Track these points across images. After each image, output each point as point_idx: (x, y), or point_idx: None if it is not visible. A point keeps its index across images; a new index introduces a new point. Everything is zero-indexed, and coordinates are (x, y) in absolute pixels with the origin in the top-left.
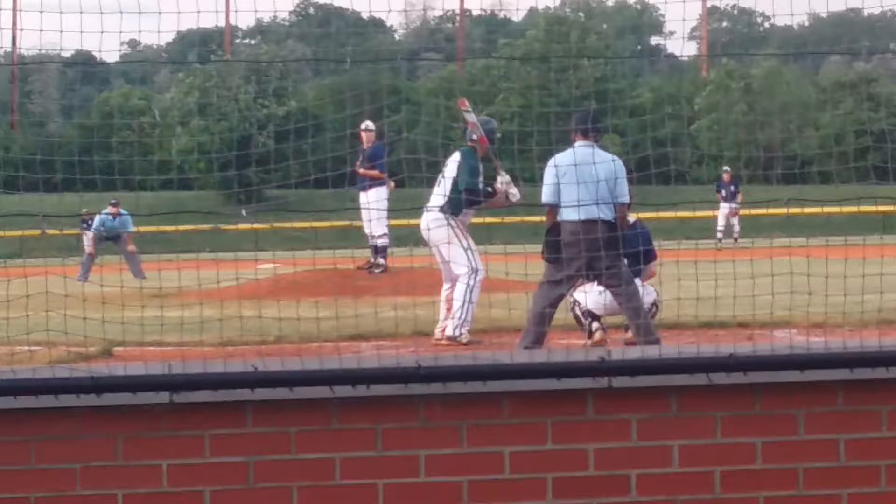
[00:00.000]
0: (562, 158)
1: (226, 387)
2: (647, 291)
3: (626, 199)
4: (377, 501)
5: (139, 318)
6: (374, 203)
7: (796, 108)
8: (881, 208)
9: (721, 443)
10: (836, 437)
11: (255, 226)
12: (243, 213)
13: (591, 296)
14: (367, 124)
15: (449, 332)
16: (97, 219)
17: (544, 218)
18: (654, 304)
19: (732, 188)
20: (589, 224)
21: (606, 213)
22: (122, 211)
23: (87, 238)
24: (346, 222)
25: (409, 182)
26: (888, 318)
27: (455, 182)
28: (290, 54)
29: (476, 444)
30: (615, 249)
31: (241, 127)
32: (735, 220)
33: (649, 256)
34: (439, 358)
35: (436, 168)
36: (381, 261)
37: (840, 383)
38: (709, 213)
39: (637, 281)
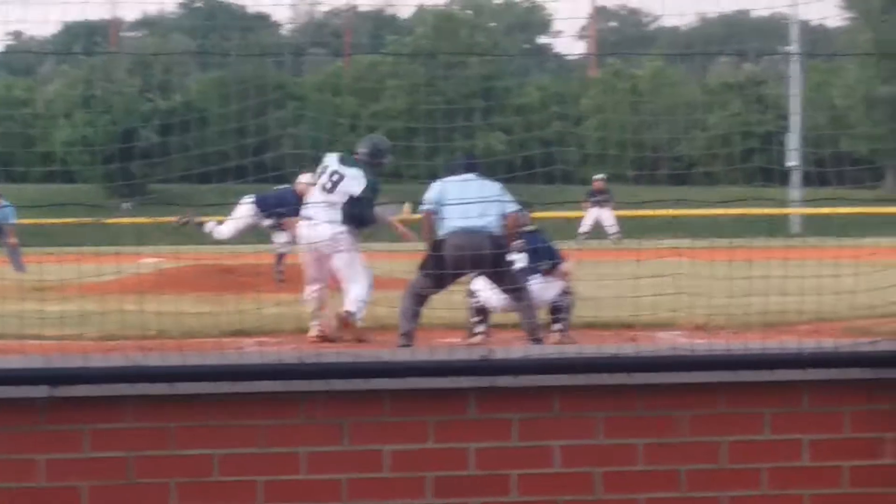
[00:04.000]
0: (448, 182)
1: (106, 381)
2: (550, 287)
3: (514, 208)
4: (256, 498)
5: (18, 311)
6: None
7: (683, 108)
8: (766, 210)
9: (603, 443)
10: (718, 439)
11: (137, 219)
12: (124, 206)
13: (492, 291)
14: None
15: (350, 307)
16: None
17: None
18: (565, 292)
19: (604, 195)
20: (472, 235)
21: (490, 225)
22: (4, 202)
23: None
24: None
25: (291, 178)
26: (772, 320)
27: (359, 200)
28: (176, 47)
29: (357, 442)
30: (500, 259)
31: (125, 120)
32: (611, 221)
33: (554, 258)
34: (321, 354)
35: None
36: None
37: (723, 385)
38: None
39: (539, 278)
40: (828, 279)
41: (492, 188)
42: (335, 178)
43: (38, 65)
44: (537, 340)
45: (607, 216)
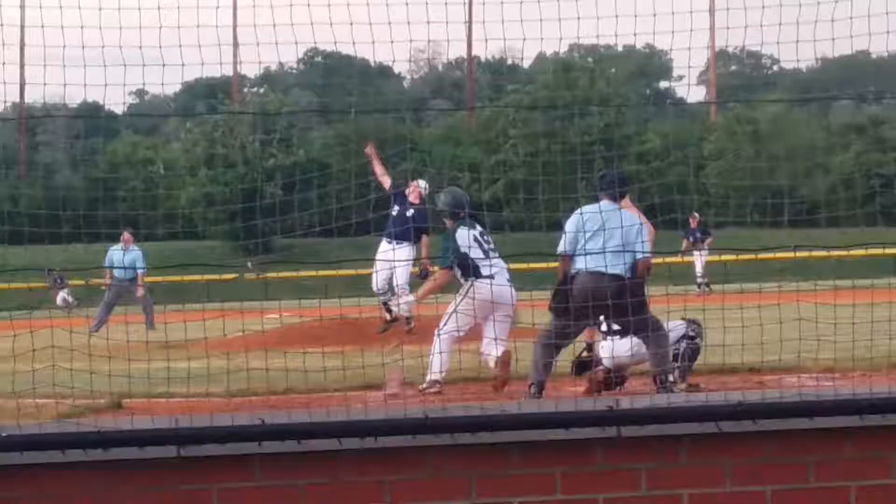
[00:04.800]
0: (587, 213)
1: (233, 440)
2: (673, 326)
3: (645, 256)
4: None
5: (146, 370)
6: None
7: (804, 151)
8: (889, 251)
9: (731, 491)
10: (846, 483)
11: (263, 276)
12: (249, 264)
13: (614, 347)
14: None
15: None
16: (108, 255)
17: (557, 266)
18: (686, 338)
19: (699, 234)
20: (602, 277)
21: (620, 269)
22: (135, 247)
23: (61, 297)
24: (353, 272)
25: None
26: None
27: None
28: (297, 102)
29: (485, 495)
30: (633, 302)
31: (248, 177)
32: (699, 267)
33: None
34: (447, 409)
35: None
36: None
37: (849, 430)
38: (715, 257)
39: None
40: None
41: (631, 222)
42: (485, 236)
43: (162, 123)
44: (666, 388)
45: (699, 262)
